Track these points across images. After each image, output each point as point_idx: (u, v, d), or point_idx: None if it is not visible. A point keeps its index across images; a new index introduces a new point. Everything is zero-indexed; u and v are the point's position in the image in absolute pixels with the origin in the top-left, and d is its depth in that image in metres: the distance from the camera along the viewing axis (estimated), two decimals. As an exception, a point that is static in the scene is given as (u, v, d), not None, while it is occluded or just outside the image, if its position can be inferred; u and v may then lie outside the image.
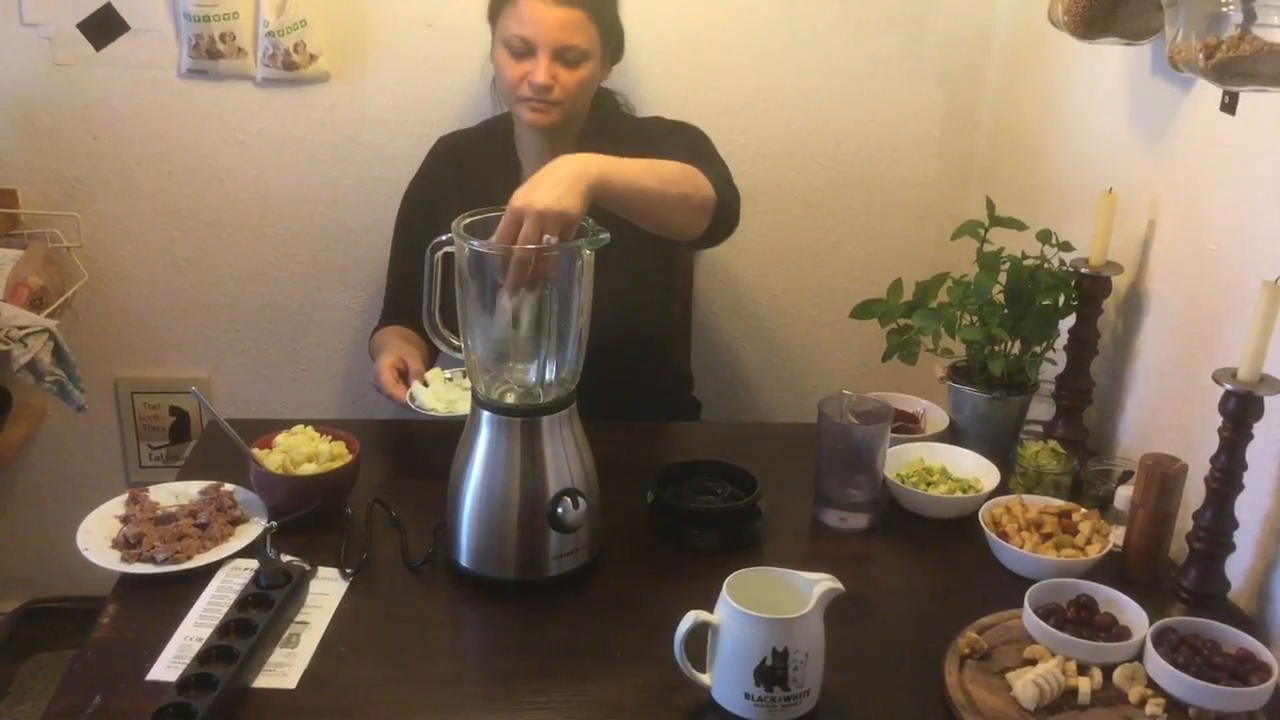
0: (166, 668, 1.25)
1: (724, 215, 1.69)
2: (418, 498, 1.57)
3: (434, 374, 1.75)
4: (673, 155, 1.66)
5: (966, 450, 1.70)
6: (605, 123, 1.93)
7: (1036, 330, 1.75)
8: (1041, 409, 1.84)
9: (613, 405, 1.85)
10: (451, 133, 2.03)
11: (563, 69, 1.77)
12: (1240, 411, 1.36)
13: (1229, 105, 1.47)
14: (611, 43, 1.87)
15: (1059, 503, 1.57)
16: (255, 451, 1.55)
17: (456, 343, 1.44)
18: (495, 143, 1.93)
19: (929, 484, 1.63)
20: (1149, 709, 1.21)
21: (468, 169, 1.94)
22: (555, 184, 1.35)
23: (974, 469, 1.67)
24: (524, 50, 1.76)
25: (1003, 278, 1.77)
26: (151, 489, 1.57)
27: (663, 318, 2.04)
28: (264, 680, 1.24)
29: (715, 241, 1.77)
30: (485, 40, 2.21)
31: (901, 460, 1.68)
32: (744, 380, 2.49)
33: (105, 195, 2.27)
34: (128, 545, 1.44)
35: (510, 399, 1.40)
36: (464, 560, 1.43)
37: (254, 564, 1.39)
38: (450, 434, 1.46)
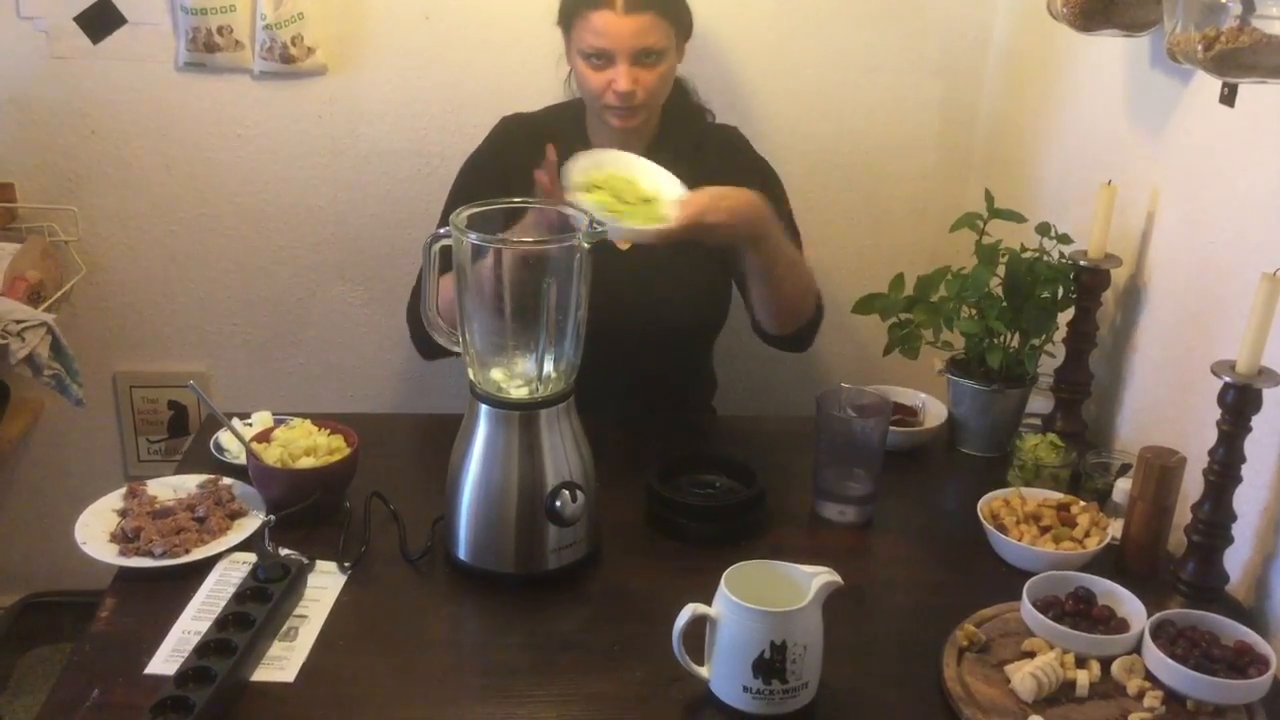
0: (165, 661, 1.24)
1: (799, 334, 1.89)
2: (416, 491, 1.57)
3: (264, 416, 1.69)
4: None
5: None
6: (678, 116, 1.93)
7: (1035, 323, 1.75)
8: (1040, 402, 1.84)
9: (640, 404, 1.87)
10: (516, 114, 1.99)
11: (643, 71, 1.78)
12: (1239, 404, 1.36)
13: (1228, 97, 1.46)
14: (684, 29, 1.87)
15: (1058, 495, 1.57)
16: (253, 445, 1.55)
17: (454, 334, 1.44)
18: (565, 126, 1.92)
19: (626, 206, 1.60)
20: (1147, 701, 1.22)
21: (540, 148, 1.91)
22: (735, 211, 1.61)
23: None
24: (603, 61, 1.77)
25: (1001, 270, 1.77)
26: (149, 483, 1.57)
27: (713, 324, 2.06)
28: (262, 673, 1.24)
29: (787, 346, 1.95)
30: (483, 34, 2.22)
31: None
32: (745, 373, 2.49)
33: (103, 189, 2.27)
34: (126, 539, 1.44)
35: (508, 392, 1.40)
36: (462, 554, 1.43)
37: (252, 557, 1.39)
38: (449, 428, 1.46)
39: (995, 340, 1.76)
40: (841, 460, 1.57)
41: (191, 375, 2.31)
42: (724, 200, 1.60)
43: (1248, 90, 1.44)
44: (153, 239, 2.32)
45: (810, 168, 2.37)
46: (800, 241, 1.94)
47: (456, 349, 1.44)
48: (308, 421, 1.62)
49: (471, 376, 1.42)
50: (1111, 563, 1.48)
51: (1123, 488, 1.56)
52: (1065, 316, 1.78)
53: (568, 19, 1.83)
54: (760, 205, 1.64)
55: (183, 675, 1.17)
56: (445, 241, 1.39)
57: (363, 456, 1.58)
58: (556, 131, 1.91)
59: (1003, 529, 1.50)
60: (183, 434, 2.44)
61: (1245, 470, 1.39)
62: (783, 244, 1.71)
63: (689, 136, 1.92)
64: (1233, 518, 1.41)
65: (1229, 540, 1.42)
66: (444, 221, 1.92)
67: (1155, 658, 1.24)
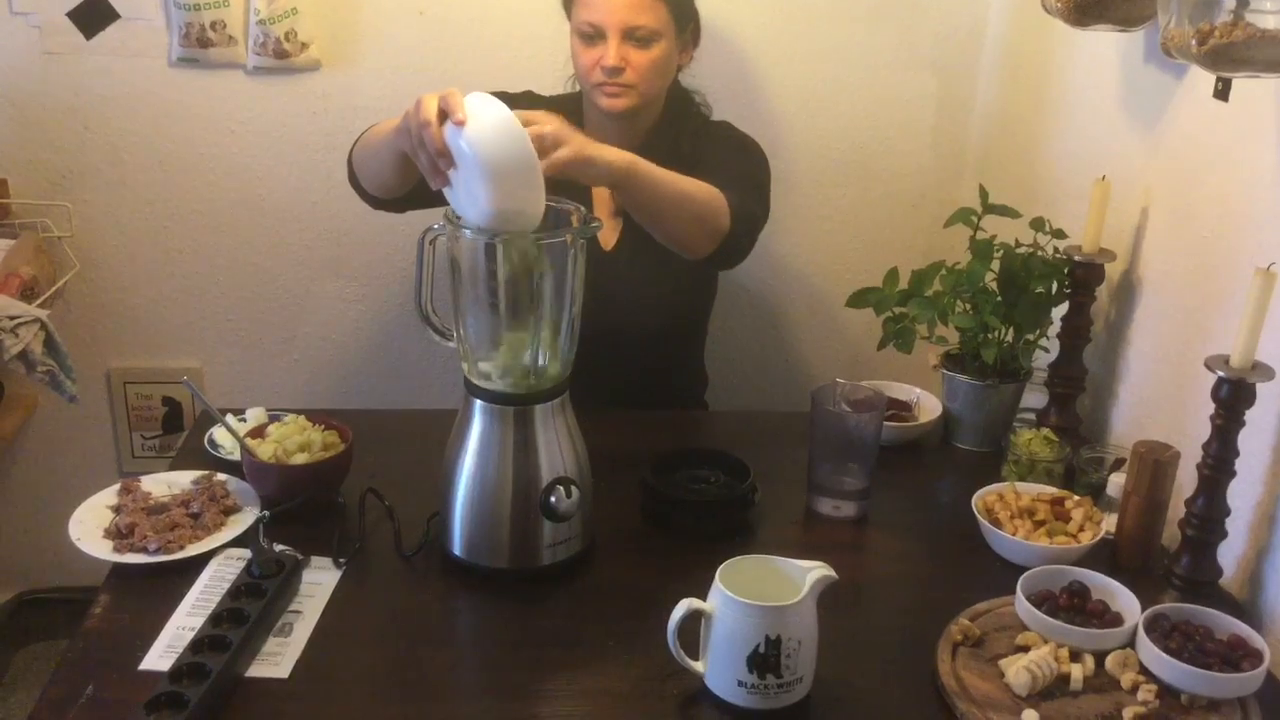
0: (159, 657, 1.24)
1: (729, 249, 1.70)
2: (411, 487, 1.56)
3: (258, 412, 1.69)
4: (719, 167, 1.75)
5: None
6: (677, 120, 1.93)
7: (1029, 318, 1.75)
8: (1034, 397, 1.84)
9: (630, 400, 1.87)
10: (533, 92, 2.01)
11: (634, 50, 1.78)
12: (1232, 398, 1.36)
13: (1222, 92, 1.47)
14: (686, 22, 1.87)
15: (1052, 490, 1.58)
16: (248, 441, 1.55)
17: (448, 330, 1.44)
18: (565, 117, 1.92)
19: None
20: (1141, 695, 1.22)
21: None
22: (588, 142, 1.44)
23: None
24: (594, 35, 1.78)
25: (996, 265, 1.77)
26: (144, 479, 1.56)
27: (699, 319, 2.08)
28: (257, 669, 1.24)
29: (715, 267, 1.85)
30: (477, 28, 2.22)
31: None
32: (739, 369, 2.49)
33: (96, 185, 2.27)
34: (120, 535, 1.43)
35: (502, 387, 1.40)
36: (457, 549, 1.43)
37: (246, 553, 1.39)
38: (444, 423, 1.46)
39: (990, 335, 1.76)
40: (836, 455, 1.57)
41: (185, 371, 2.31)
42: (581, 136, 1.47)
43: (1241, 85, 1.44)
44: (146, 235, 2.32)
45: (805, 163, 2.37)
46: (765, 212, 1.84)
47: (451, 344, 1.44)
48: (302, 417, 1.62)
49: (466, 372, 1.42)
50: (1106, 557, 1.49)
51: (1117, 482, 1.56)
52: (1059, 311, 1.78)
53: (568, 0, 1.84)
54: (614, 148, 1.51)
55: (177, 671, 1.17)
56: (439, 235, 1.39)
57: (357, 452, 1.58)
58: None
59: (997, 523, 1.51)
60: (177, 430, 2.44)
61: (1239, 464, 1.39)
62: (661, 181, 1.56)
63: (688, 134, 1.92)
64: (1226, 512, 1.41)
65: (1223, 534, 1.42)
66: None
67: (1149, 652, 1.24)
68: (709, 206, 1.64)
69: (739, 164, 1.86)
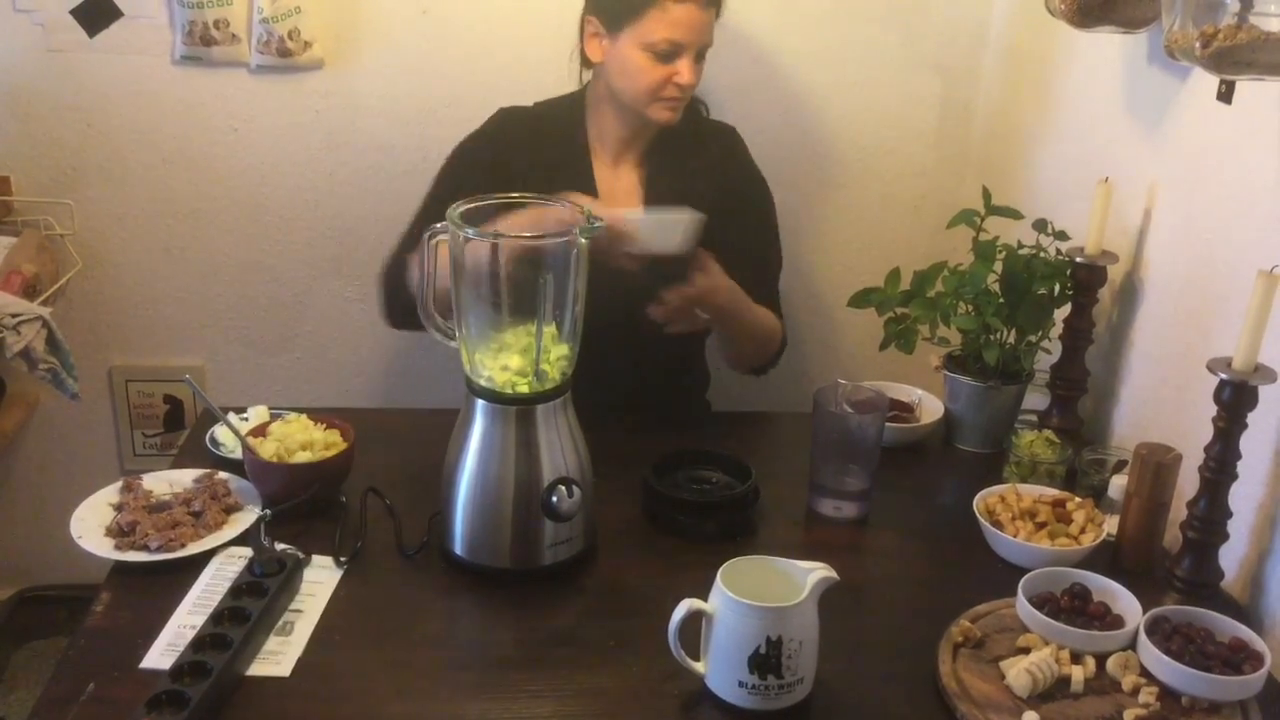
0: (160, 655, 1.24)
1: (765, 368, 2.02)
2: (413, 486, 1.57)
3: (260, 411, 1.69)
4: (741, 233, 1.90)
5: None
6: (681, 123, 1.92)
7: (1031, 319, 1.75)
8: (1036, 398, 1.84)
9: (633, 398, 1.87)
10: (513, 105, 1.99)
11: (698, 66, 1.82)
12: (1235, 401, 1.36)
13: (1226, 94, 1.46)
14: None
15: (1053, 492, 1.58)
16: (249, 440, 1.55)
17: (450, 329, 1.44)
18: (561, 124, 1.92)
19: None
20: (1142, 697, 1.22)
21: (538, 142, 1.91)
22: (712, 287, 1.76)
23: None
24: (671, 52, 1.78)
25: (998, 267, 1.77)
26: (145, 477, 1.56)
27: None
28: (258, 668, 1.24)
29: (747, 374, 2.04)
30: (481, 28, 2.22)
31: None
32: (739, 369, 2.49)
33: (99, 183, 2.27)
34: (121, 533, 1.43)
35: (504, 388, 1.40)
36: (459, 549, 1.43)
37: (248, 552, 1.39)
38: (445, 423, 1.46)
39: (992, 337, 1.76)
40: (838, 456, 1.57)
41: (187, 370, 2.30)
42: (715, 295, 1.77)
43: (1245, 87, 1.44)
44: (149, 233, 2.32)
45: (807, 163, 2.37)
46: (780, 259, 2.02)
47: (453, 344, 1.43)
48: (304, 416, 1.62)
49: (468, 371, 1.42)
50: (1107, 559, 1.48)
51: (1118, 484, 1.56)
52: (1062, 313, 1.78)
53: (634, 10, 1.78)
54: (729, 295, 1.79)
55: (178, 670, 1.17)
56: (442, 237, 1.39)
57: (359, 451, 1.58)
58: (553, 129, 1.92)
59: (998, 525, 1.51)
60: (178, 428, 2.44)
61: (1241, 466, 1.39)
62: (745, 315, 1.84)
63: (686, 128, 1.92)
64: (1228, 514, 1.41)
65: (1224, 537, 1.42)
66: (428, 203, 1.91)
67: (1150, 654, 1.24)
68: (770, 338, 1.94)
69: (757, 229, 1.98)
